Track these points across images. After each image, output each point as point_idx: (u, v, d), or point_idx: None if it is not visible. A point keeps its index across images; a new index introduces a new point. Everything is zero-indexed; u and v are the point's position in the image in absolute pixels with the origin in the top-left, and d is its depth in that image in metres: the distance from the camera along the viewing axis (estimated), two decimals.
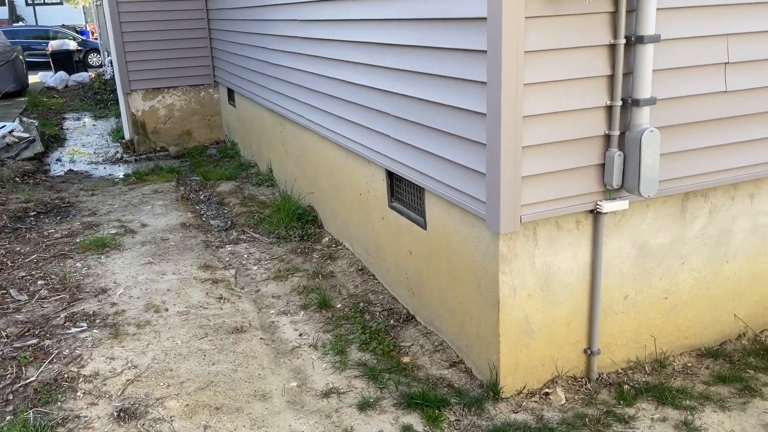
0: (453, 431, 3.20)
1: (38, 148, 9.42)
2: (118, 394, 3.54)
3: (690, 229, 3.62)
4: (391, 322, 4.26)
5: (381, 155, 4.28)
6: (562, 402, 3.39)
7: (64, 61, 18.64)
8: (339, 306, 4.52)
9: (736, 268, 3.82)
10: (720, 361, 3.73)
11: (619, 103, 3.10)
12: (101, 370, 3.78)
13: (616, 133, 3.13)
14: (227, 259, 5.41)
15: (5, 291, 4.80)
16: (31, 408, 3.41)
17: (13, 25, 28.46)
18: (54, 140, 10.63)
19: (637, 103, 3.07)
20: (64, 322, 4.34)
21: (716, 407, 3.31)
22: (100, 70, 17.83)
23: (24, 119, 11.42)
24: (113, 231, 6.05)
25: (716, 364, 3.71)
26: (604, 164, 3.20)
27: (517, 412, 3.31)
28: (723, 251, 3.75)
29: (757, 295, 3.94)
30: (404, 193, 4.25)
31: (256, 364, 3.84)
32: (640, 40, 2.99)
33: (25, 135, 9.57)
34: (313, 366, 3.80)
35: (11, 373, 3.74)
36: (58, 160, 9.45)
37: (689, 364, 3.72)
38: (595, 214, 3.31)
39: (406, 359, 3.84)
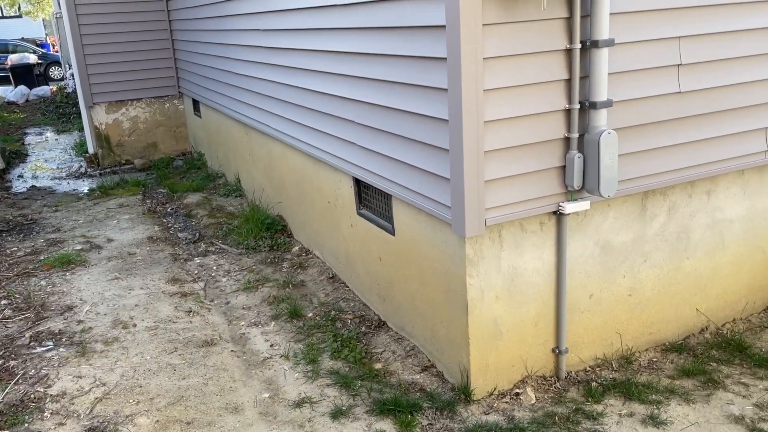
0: None
1: None
2: (87, 412, 3.49)
3: (651, 227, 3.71)
4: (363, 329, 4.27)
5: (348, 163, 4.30)
6: (533, 401, 3.44)
7: (24, 75, 18.29)
8: (310, 315, 4.52)
9: (696, 263, 3.92)
10: (684, 355, 3.82)
11: (577, 106, 3.17)
12: (69, 389, 3.71)
13: (575, 135, 3.20)
14: (196, 271, 5.36)
15: None
16: None
17: None
18: (15, 156, 10.41)
19: (594, 105, 3.15)
20: (30, 342, 4.26)
21: (681, 400, 3.39)
22: (62, 83, 17.55)
23: None
24: (78, 247, 5.95)
25: (680, 358, 3.80)
26: (564, 166, 3.26)
27: (488, 414, 3.35)
28: (683, 247, 3.85)
29: (718, 289, 4.05)
30: (372, 200, 4.27)
31: (228, 376, 3.81)
32: (595, 44, 3.07)
33: None
34: (285, 376, 3.79)
35: None
36: (20, 176, 9.26)
37: (654, 359, 3.80)
38: (558, 215, 3.38)
39: (378, 366, 3.86)
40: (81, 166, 9.54)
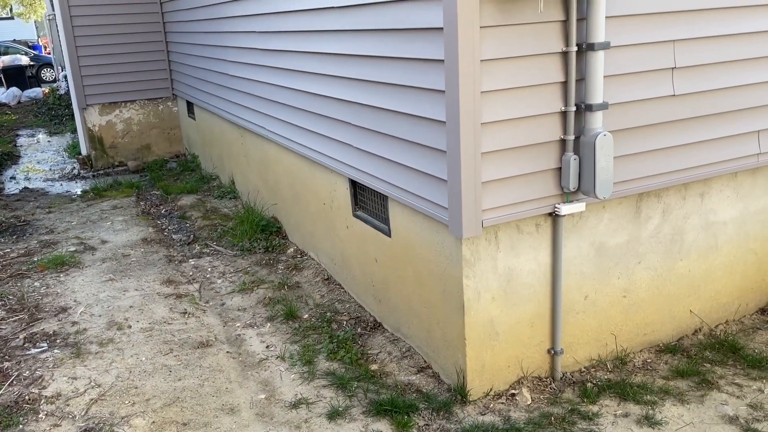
0: None
1: None
2: (82, 414, 3.48)
3: (645, 228, 3.74)
4: (359, 330, 4.28)
5: (344, 164, 4.31)
6: (528, 402, 3.46)
7: (16, 76, 18.21)
8: (306, 316, 4.52)
9: (689, 265, 3.95)
10: (678, 356, 3.85)
11: (573, 108, 3.19)
12: (64, 390, 3.70)
13: (571, 137, 3.23)
14: (191, 273, 5.35)
15: None
16: None
17: None
18: (7, 158, 10.36)
19: (590, 108, 3.17)
20: (24, 343, 4.24)
21: (676, 401, 3.41)
22: (54, 85, 17.47)
23: None
24: (72, 248, 5.93)
25: (674, 359, 3.82)
26: (560, 168, 3.29)
27: (484, 414, 3.36)
28: (677, 249, 3.88)
29: (711, 291, 4.08)
30: (368, 202, 4.28)
31: (223, 377, 3.81)
32: (591, 47, 3.09)
33: None
34: (281, 377, 3.79)
35: None
36: (13, 177, 9.21)
37: (649, 360, 3.83)
38: (554, 216, 3.40)
39: (374, 367, 3.86)
40: (74, 167, 9.50)
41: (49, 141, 11.98)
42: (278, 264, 5.42)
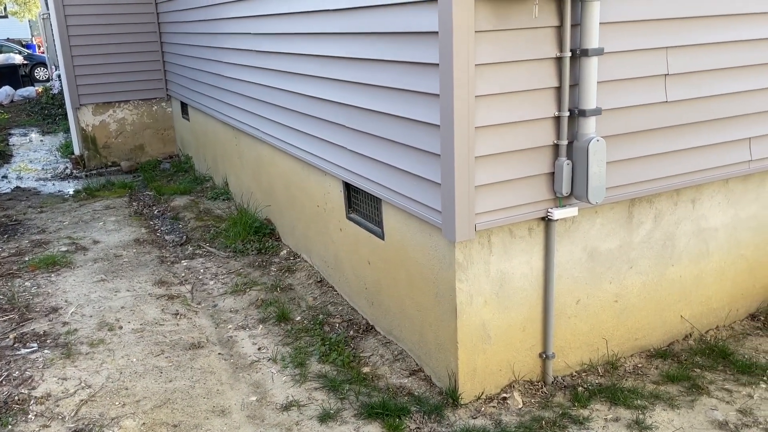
0: None
1: None
2: (72, 415, 3.46)
3: (637, 233, 3.76)
4: (351, 333, 4.27)
5: (338, 167, 4.31)
6: (520, 406, 3.46)
7: (9, 75, 18.14)
8: (298, 318, 4.51)
9: (681, 270, 3.97)
10: (669, 361, 3.87)
11: (567, 113, 3.20)
12: (53, 391, 3.68)
13: (564, 142, 3.24)
14: (183, 274, 5.33)
15: None
16: None
17: None
18: None
19: (583, 113, 3.19)
20: (14, 343, 4.21)
21: (666, 406, 3.42)
22: (48, 84, 17.40)
23: None
24: (64, 248, 5.90)
25: (665, 364, 3.84)
26: (553, 173, 3.30)
27: (476, 418, 3.36)
28: (668, 254, 3.90)
29: (702, 296, 4.11)
30: (362, 204, 4.28)
31: (215, 379, 3.80)
32: (585, 53, 3.11)
33: None
34: (273, 379, 3.78)
35: None
36: (5, 176, 9.17)
37: (640, 365, 3.84)
38: (547, 221, 3.41)
39: (366, 369, 3.86)
40: (66, 167, 9.47)
41: (41, 140, 11.93)
42: (271, 266, 5.41)
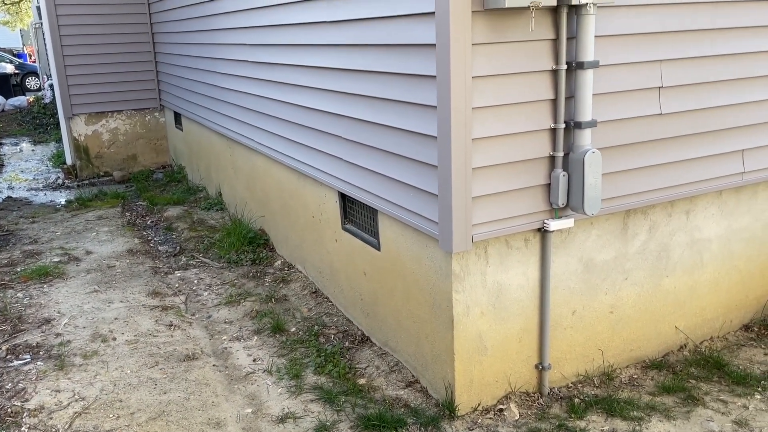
0: None
1: None
2: (66, 427, 3.42)
3: (632, 245, 3.78)
4: (347, 344, 4.26)
5: (333, 177, 4.31)
6: (516, 417, 3.46)
7: (0, 84, 18.03)
8: (293, 330, 4.49)
9: (675, 281, 4.00)
10: (664, 372, 3.88)
11: (563, 125, 3.23)
12: (47, 403, 3.64)
13: (560, 154, 3.26)
14: (177, 285, 5.31)
15: None
16: None
17: None
18: None
19: (579, 125, 3.21)
20: (6, 355, 4.17)
21: (662, 417, 3.43)
22: (39, 93, 17.34)
23: None
24: (56, 259, 5.86)
25: (660, 375, 3.85)
26: (550, 184, 3.32)
27: (472, 429, 3.35)
28: (663, 266, 3.92)
29: (696, 307, 4.13)
30: (357, 215, 4.28)
31: (210, 391, 3.77)
32: (581, 65, 3.14)
33: None
34: (268, 391, 3.76)
35: None
36: None
37: (635, 376, 3.85)
38: (543, 232, 3.42)
39: (362, 381, 3.85)
40: (58, 177, 9.42)
41: (33, 150, 11.87)
42: (265, 276, 5.39)
